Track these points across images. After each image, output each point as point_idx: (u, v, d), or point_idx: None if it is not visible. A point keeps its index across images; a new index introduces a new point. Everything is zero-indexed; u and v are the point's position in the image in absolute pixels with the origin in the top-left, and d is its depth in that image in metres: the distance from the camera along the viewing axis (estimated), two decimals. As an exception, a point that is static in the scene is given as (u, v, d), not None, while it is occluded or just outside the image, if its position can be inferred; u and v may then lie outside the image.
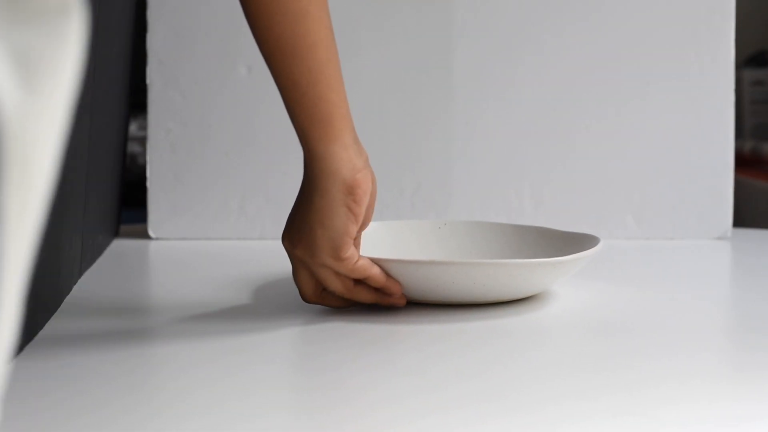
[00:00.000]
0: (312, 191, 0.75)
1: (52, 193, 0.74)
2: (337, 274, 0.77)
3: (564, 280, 0.89)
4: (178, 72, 1.20)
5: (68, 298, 0.86)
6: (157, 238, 1.20)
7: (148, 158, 1.20)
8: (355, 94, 1.17)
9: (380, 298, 0.80)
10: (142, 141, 2.40)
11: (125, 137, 1.25)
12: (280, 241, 0.78)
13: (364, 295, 0.79)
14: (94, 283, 0.93)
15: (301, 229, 0.76)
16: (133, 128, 2.45)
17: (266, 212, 1.19)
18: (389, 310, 0.82)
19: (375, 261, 0.81)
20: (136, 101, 1.33)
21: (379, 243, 0.95)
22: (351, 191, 0.75)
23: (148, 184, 1.20)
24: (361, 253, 0.89)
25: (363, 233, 0.96)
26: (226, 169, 1.21)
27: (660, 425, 0.57)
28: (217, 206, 1.20)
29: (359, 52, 1.21)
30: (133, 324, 0.80)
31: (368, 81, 1.22)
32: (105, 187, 1.06)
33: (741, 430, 0.57)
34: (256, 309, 0.83)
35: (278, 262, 1.05)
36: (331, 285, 0.77)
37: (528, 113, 1.22)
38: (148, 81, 1.20)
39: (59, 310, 0.81)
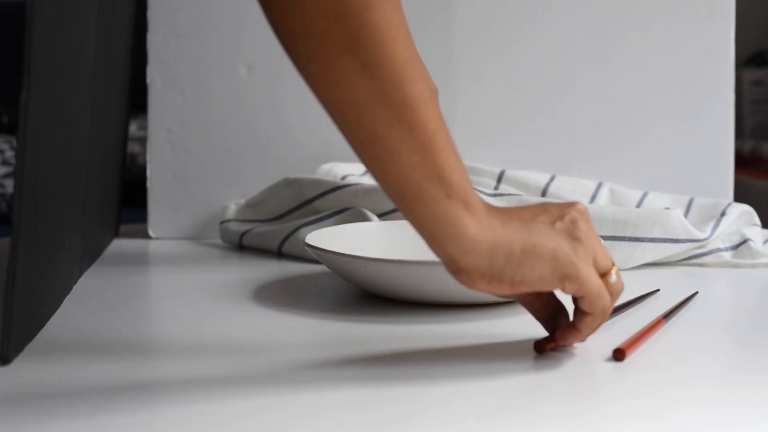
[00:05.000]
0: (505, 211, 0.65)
1: (52, 192, 0.74)
2: None
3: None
4: (178, 72, 1.20)
5: (68, 298, 0.86)
6: (157, 238, 1.20)
7: (148, 158, 1.20)
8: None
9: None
10: (142, 141, 2.40)
11: (125, 137, 1.25)
12: None
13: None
14: (94, 283, 0.93)
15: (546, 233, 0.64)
16: (133, 128, 2.45)
17: (266, 212, 1.18)
18: (389, 310, 0.82)
19: (375, 261, 0.81)
20: (136, 101, 1.33)
21: (379, 243, 0.95)
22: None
23: (148, 184, 1.20)
24: (360, 254, 0.89)
25: (363, 233, 0.96)
26: (226, 169, 1.21)
27: (663, 427, 0.57)
28: (217, 206, 1.20)
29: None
30: (133, 324, 0.80)
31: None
32: (105, 187, 1.06)
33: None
34: (256, 309, 0.83)
35: (278, 262, 1.05)
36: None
37: (528, 114, 1.22)
38: (148, 81, 1.20)
39: (59, 309, 0.81)
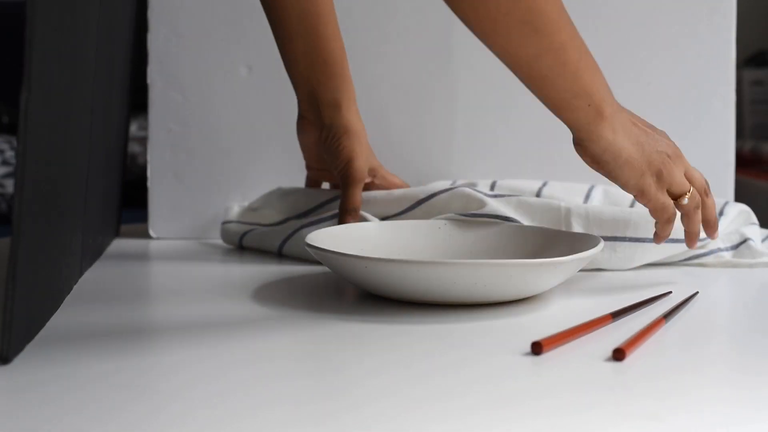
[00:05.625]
0: (633, 125, 0.87)
1: (52, 192, 0.74)
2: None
3: (564, 280, 0.89)
4: (179, 72, 1.20)
5: (68, 298, 0.86)
6: (157, 238, 1.20)
7: (148, 158, 1.20)
8: (356, 95, 1.17)
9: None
10: (142, 141, 2.40)
11: (125, 137, 1.25)
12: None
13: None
14: (94, 283, 0.93)
15: (652, 146, 0.88)
16: (133, 128, 2.46)
17: (266, 212, 1.18)
18: (389, 310, 0.82)
19: (375, 261, 0.81)
20: (137, 101, 1.33)
21: (379, 243, 0.95)
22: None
23: (149, 184, 1.20)
24: (360, 254, 0.89)
25: (363, 233, 0.96)
26: (227, 169, 1.21)
27: (663, 427, 0.57)
28: (218, 206, 1.20)
29: (359, 51, 1.21)
30: (133, 324, 0.80)
31: (369, 81, 1.22)
32: (105, 187, 1.06)
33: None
34: (257, 309, 0.83)
35: (278, 262, 1.05)
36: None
37: (529, 113, 1.22)
38: (148, 81, 1.20)
39: (59, 309, 0.81)
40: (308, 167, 1.12)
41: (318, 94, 1.06)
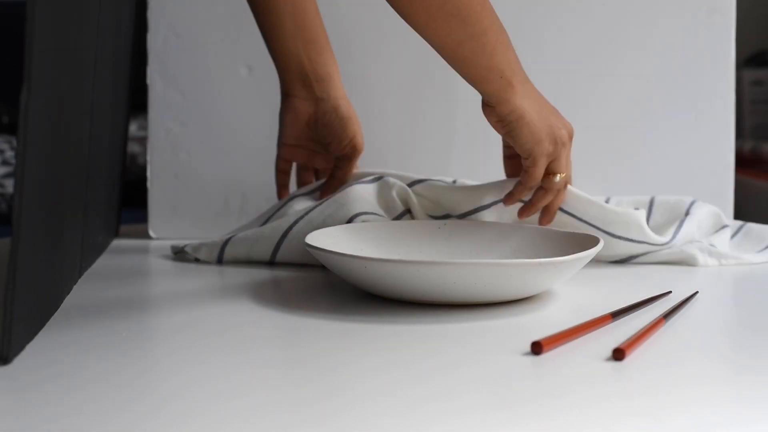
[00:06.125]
0: (539, 98, 0.95)
1: (52, 192, 0.74)
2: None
3: (564, 280, 0.89)
4: (178, 72, 1.20)
5: (68, 298, 0.86)
6: (157, 238, 1.20)
7: (148, 158, 1.20)
8: (356, 95, 1.17)
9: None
10: (142, 141, 2.40)
11: (125, 137, 1.25)
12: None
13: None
14: (94, 283, 0.93)
15: (553, 122, 0.95)
16: (133, 128, 2.45)
17: (266, 212, 1.18)
18: (389, 310, 0.82)
19: (375, 261, 0.81)
20: (136, 101, 1.33)
21: (379, 243, 0.95)
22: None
23: (149, 184, 1.20)
24: (360, 254, 0.89)
25: (363, 233, 0.96)
26: (226, 169, 1.21)
27: (662, 427, 0.57)
28: (218, 206, 1.20)
29: (360, 51, 1.21)
30: (133, 324, 0.80)
31: (369, 80, 1.22)
32: (105, 187, 1.06)
33: None
34: (256, 309, 0.83)
35: (277, 262, 1.05)
36: (565, 167, 0.98)
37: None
38: (148, 81, 1.20)
39: (59, 310, 0.81)
40: (283, 144, 1.12)
41: (309, 70, 1.10)
